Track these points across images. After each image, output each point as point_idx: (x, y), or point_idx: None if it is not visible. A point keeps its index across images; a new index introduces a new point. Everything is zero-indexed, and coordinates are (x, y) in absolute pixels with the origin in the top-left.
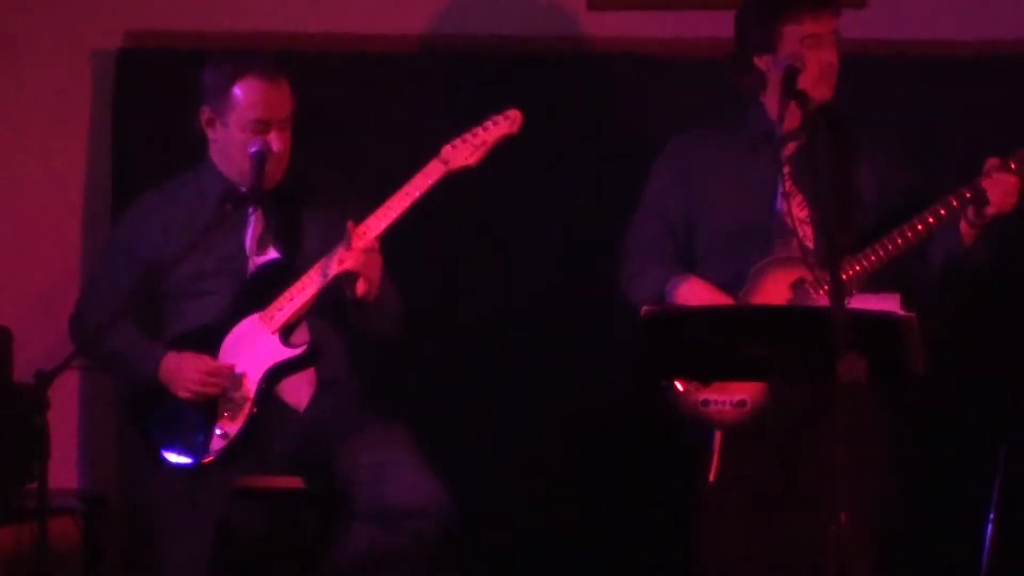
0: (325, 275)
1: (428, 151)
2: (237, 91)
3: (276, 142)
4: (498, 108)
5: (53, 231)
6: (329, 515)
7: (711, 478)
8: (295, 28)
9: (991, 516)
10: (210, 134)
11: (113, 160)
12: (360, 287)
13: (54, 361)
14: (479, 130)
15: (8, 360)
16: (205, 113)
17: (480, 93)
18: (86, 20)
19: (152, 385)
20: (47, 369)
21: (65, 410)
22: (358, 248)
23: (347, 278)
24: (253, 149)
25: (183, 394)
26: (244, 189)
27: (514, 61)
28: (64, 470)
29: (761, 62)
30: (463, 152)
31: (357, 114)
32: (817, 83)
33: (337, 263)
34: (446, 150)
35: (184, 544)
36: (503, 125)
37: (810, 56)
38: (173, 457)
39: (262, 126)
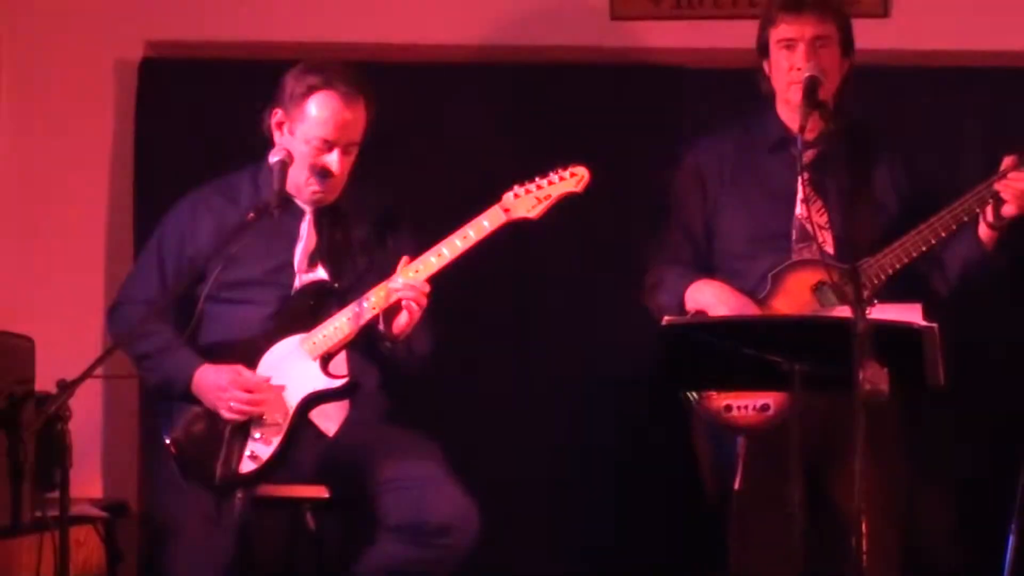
0: (373, 308)
1: (452, 160)
2: (311, 104)
3: (335, 164)
4: (522, 117)
5: (76, 240)
6: (351, 524)
7: (736, 486)
8: (316, 38)
9: (1013, 526)
10: (276, 137)
11: (135, 169)
12: (396, 325)
13: (76, 370)
14: (544, 182)
15: (31, 369)
16: (277, 115)
17: (505, 102)
18: (109, 30)
19: (183, 396)
20: (69, 378)
21: (87, 419)
22: (408, 286)
23: (387, 312)
24: (275, 158)
25: (226, 414)
26: (296, 199)
27: (536, 71)
28: (86, 479)
29: (766, 67)
30: (525, 204)
31: (376, 122)
32: (788, 87)
33: (385, 298)
34: (507, 198)
35: (202, 556)
36: (569, 183)
37: (781, 60)
38: (194, 473)
39: (326, 145)
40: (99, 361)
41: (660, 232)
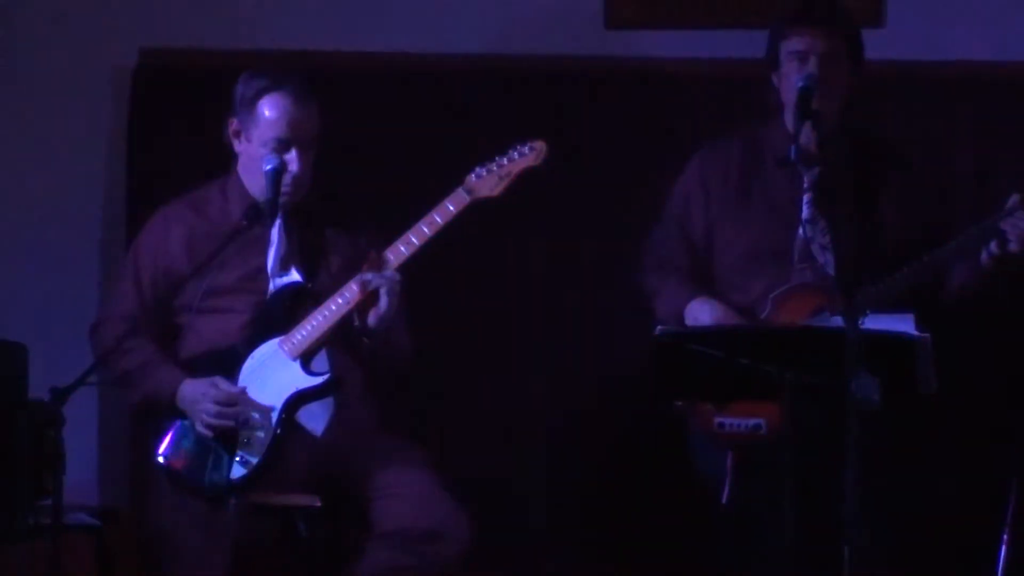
0: (347, 302)
1: (446, 169)
2: (263, 106)
3: (294, 163)
4: (515, 126)
5: (70, 246)
6: (343, 533)
7: (724, 499)
8: (310, 46)
9: (1004, 536)
10: (236, 146)
11: (129, 175)
12: (372, 316)
13: (70, 377)
14: (504, 160)
15: (24, 376)
16: (233, 124)
17: (499, 111)
18: (104, 37)
19: (169, 411)
20: (62, 385)
21: (80, 426)
22: (380, 276)
23: (361, 306)
24: (268, 166)
25: (201, 427)
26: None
27: (532, 80)
28: (79, 486)
29: (775, 79)
30: (488, 183)
31: (376, 132)
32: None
33: (359, 290)
34: (470, 180)
35: (201, 565)
36: (529, 157)
37: (792, 72)
38: (186, 480)
39: (282, 145)
40: (92, 368)
41: (660, 235)
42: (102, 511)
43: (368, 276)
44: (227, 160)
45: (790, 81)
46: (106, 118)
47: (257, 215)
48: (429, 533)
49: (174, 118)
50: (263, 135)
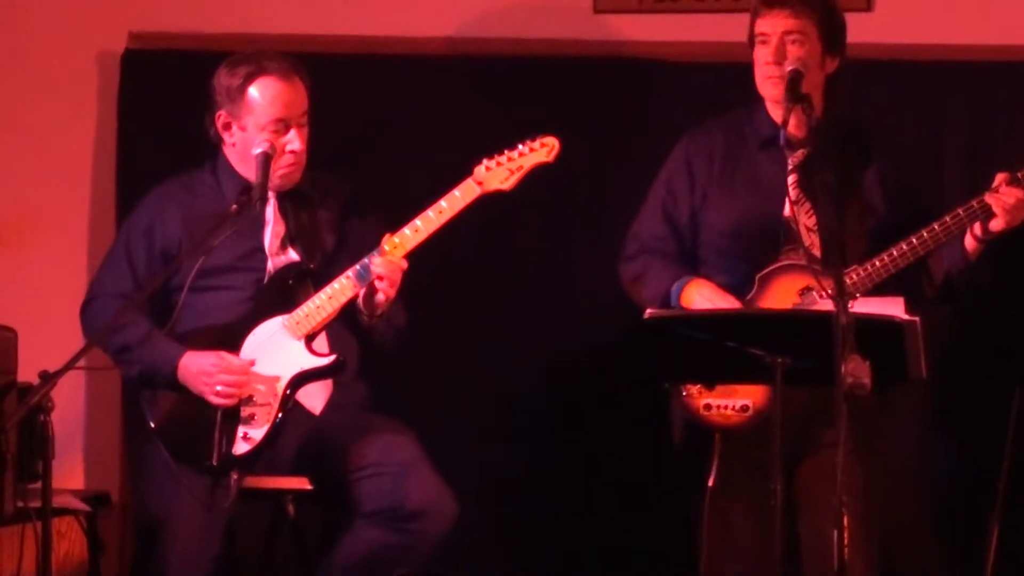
0: (352, 284)
1: (432, 151)
2: (253, 92)
3: (295, 141)
4: (503, 109)
5: (59, 231)
6: (333, 514)
7: (710, 483)
8: (299, 30)
9: (994, 522)
10: (226, 137)
11: (118, 160)
12: (374, 299)
13: (59, 362)
14: (514, 154)
15: (13, 360)
16: (222, 117)
17: (485, 96)
18: (92, 22)
19: (168, 385)
20: (52, 370)
21: (69, 410)
22: (386, 263)
23: (367, 290)
24: (258, 150)
25: (214, 399)
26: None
27: (519, 64)
28: (68, 470)
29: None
30: (498, 176)
31: (362, 115)
32: (762, 82)
33: (371, 274)
34: (479, 171)
35: (195, 546)
36: (540, 153)
37: (756, 54)
38: (187, 454)
39: (281, 125)
40: (81, 352)
41: (645, 221)
42: (92, 495)
43: (375, 261)
44: (215, 142)
45: (756, 64)
46: (95, 102)
47: (247, 200)
48: (414, 510)
49: (163, 102)
50: (259, 120)
